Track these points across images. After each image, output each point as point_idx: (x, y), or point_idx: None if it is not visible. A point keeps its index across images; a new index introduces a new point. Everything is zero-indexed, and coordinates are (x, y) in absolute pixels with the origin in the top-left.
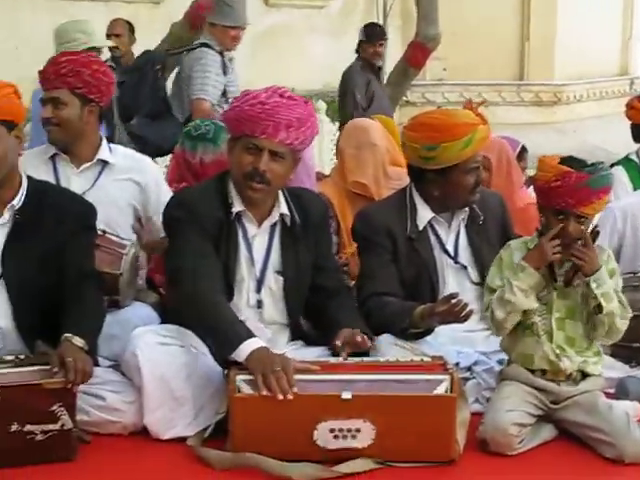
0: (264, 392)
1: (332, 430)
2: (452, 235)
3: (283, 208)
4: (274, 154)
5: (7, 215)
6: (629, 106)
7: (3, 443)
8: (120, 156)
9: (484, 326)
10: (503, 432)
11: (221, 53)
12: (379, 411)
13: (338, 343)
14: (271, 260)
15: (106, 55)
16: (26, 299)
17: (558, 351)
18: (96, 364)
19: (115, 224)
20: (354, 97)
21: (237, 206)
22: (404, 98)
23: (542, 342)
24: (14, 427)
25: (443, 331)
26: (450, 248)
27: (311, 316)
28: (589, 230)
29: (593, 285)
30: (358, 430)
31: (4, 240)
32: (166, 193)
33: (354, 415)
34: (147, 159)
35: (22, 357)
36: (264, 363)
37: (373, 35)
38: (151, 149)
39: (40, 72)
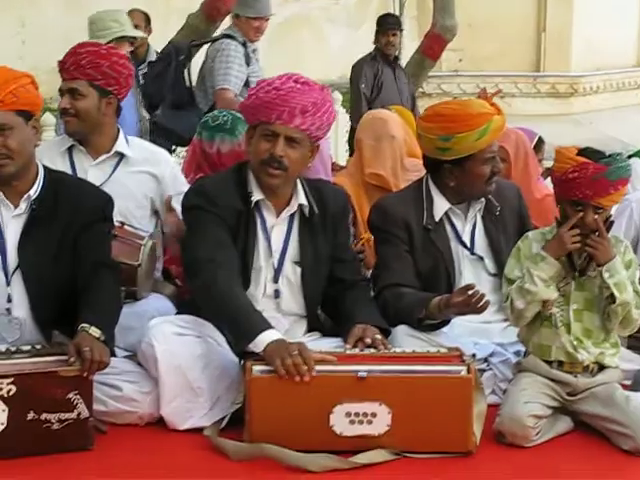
0: (283, 375)
1: (348, 414)
2: (468, 226)
3: (302, 199)
4: (290, 140)
5: (24, 206)
6: None
7: (20, 432)
8: (137, 148)
9: (501, 317)
10: (520, 424)
11: (244, 44)
12: (395, 393)
13: (348, 346)
14: (289, 250)
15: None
16: (43, 290)
17: (575, 343)
18: (113, 354)
19: (131, 216)
20: (358, 87)
21: (256, 195)
22: (420, 89)
23: (560, 333)
24: (30, 415)
25: (459, 322)
26: (466, 239)
27: (327, 308)
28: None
29: (605, 275)
30: (374, 414)
31: (21, 231)
32: (182, 185)
33: (370, 397)
34: (163, 151)
35: (39, 347)
36: (282, 350)
37: (385, 25)
38: (175, 139)
39: (60, 62)
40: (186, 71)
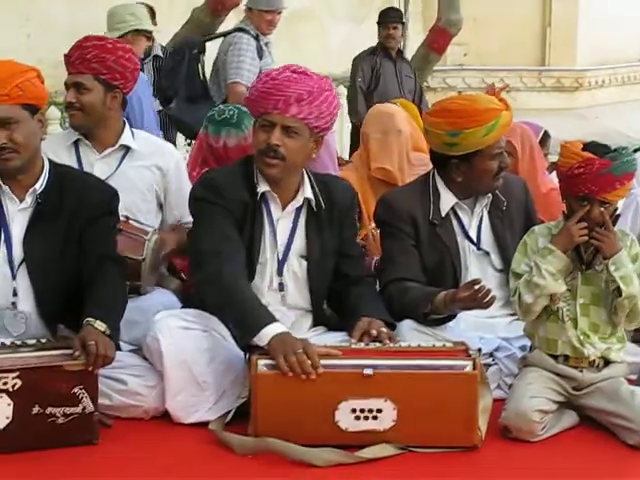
0: (287, 373)
1: (354, 410)
2: (475, 221)
3: (308, 192)
4: (287, 129)
5: (29, 199)
6: None
7: (25, 426)
8: (142, 141)
9: (506, 312)
10: (525, 418)
11: (257, 37)
12: (400, 390)
13: (353, 340)
14: (295, 244)
15: None
16: (48, 283)
17: (582, 337)
18: (118, 348)
19: (137, 210)
20: (355, 82)
21: (262, 186)
22: (425, 83)
23: (566, 328)
24: (36, 409)
25: (465, 317)
26: (473, 234)
27: (333, 303)
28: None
29: (611, 268)
30: (379, 410)
31: (26, 224)
32: (186, 179)
33: (375, 393)
34: (169, 144)
35: (44, 341)
36: (286, 346)
37: (386, 18)
38: (188, 132)
39: (65, 55)
40: (200, 64)
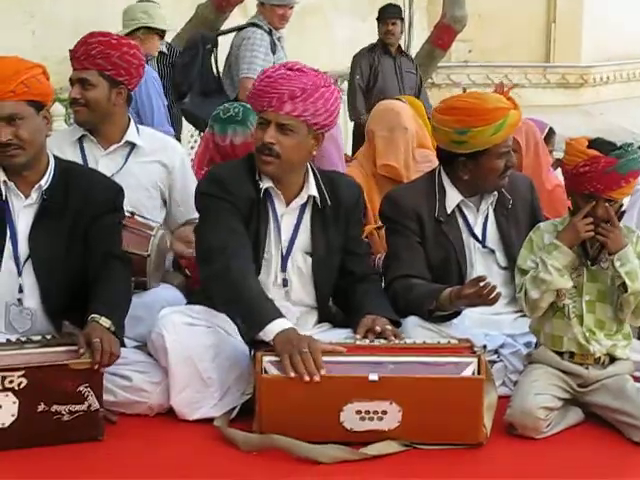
0: (291, 374)
1: (359, 412)
2: (480, 219)
3: (312, 189)
4: (282, 126)
5: (34, 196)
6: None
7: (30, 423)
8: (147, 138)
9: (511, 309)
10: (531, 416)
11: (270, 32)
12: (405, 393)
13: (358, 336)
14: (299, 240)
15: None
16: (54, 280)
17: (588, 334)
18: (123, 345)
19: (142, 206)
20: (354, 80)
21: (265, 182)
22: (429, 80)
23: (572, 324)
24: (41, 407)
25: (470, 314)
26: (478, 232)
27: (338, 300)
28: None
29: (617, 263)
30: (385, 412)
31: (32, 221)
32: (191, 175)
33: (380, 397)
34: (174, 141)
35: (49, 337)
36: (291, 344)
37: (385, 14)
38: (203, 126)
39: (71, 51)
40: (213, 59)
